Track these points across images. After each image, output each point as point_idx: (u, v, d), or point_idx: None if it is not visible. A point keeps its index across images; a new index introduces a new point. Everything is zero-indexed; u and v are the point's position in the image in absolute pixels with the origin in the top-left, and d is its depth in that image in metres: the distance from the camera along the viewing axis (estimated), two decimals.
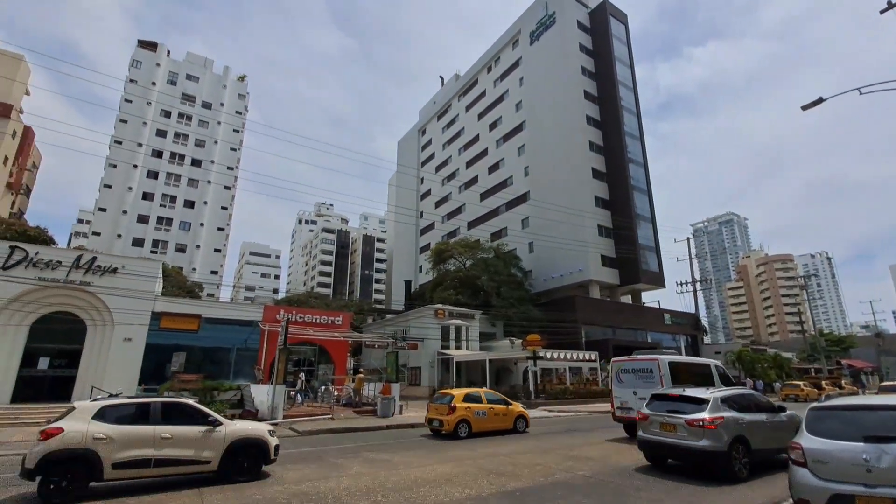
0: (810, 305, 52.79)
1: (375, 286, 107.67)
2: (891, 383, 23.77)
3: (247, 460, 8.26)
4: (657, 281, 47.89)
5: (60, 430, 6.89)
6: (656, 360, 14.29)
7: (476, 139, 64.73)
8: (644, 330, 47.09)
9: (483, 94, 65.38)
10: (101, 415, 7.31)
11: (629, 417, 13.66)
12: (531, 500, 6.93)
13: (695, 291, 32.59)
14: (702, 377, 14.50)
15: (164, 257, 52.46)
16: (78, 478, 6.89)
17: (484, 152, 62.50)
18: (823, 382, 33.72)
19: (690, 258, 33.14)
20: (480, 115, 64.70)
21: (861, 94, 13.41)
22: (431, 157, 75.80)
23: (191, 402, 8.56)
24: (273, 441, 8.59)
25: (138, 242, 55.59)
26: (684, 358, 16.32)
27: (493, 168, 60.15)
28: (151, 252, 55.19)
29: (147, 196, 57.69)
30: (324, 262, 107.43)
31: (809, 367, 52.84)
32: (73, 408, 7.44)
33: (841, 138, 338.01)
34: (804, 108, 14.32)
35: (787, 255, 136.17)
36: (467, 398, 14.88)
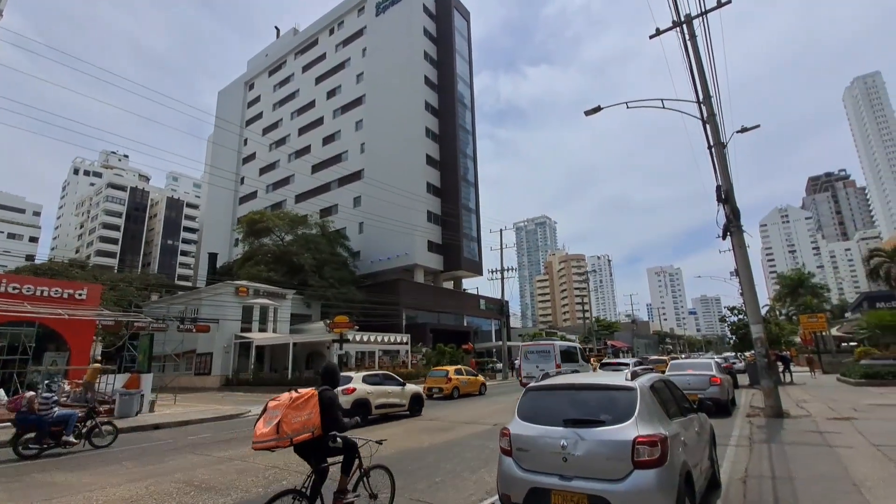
0: (591, 297, 63.59)
1: (181, 259, 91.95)
2: (610, 360, 22.96)
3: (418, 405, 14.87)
4: (477, 269, 51.28)
5: (354, 389, 13.01)
6: (552, 344, 23.08)
7: (312, 105, 59.52)
8: (462, 314, 50.00)
9: (323, 57, 60.35)
10: (364, 380, 13.68)
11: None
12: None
13: (502, 280, 35.35)
14: (571, 355, 24.07)
15: None
16: (364, 413, 12.84)
17: (319, 121, 57.88)
18: (592, 359, 40.08)
19: (501, 248, 35.78)
20: (319, 80, 59.65)
21: (628, 107, 15.09)
22: (259, 116, 67.22)
23: None
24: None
25: None
26: (565, 343, 26.02)
27: (329, 139, 56.19)
28: None
29: None
30: (108, 226, 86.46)
31: (585, 347, 64.14)
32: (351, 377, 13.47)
33: (630, 166, 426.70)
34: (587, 113, 15.49)
35: (580, 255, 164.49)
36: (457, 372, 21.10)
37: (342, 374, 14.36)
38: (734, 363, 25.84)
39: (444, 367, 22.17)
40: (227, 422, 14.40)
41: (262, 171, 62.72)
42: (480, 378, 22.51)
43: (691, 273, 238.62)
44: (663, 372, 12.99)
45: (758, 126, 13.07)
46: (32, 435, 9.19)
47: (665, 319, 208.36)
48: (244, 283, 31.20)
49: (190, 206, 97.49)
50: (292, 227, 41.55)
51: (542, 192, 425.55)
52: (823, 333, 35.08)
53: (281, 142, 61.87)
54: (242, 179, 65.29)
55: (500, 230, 35.34)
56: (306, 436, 3.98)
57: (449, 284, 53.09)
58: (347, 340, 23.81)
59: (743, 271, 12.39)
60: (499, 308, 34.48)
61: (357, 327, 26.34)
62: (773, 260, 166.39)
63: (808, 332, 34.42)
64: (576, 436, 4.06)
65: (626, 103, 14.95)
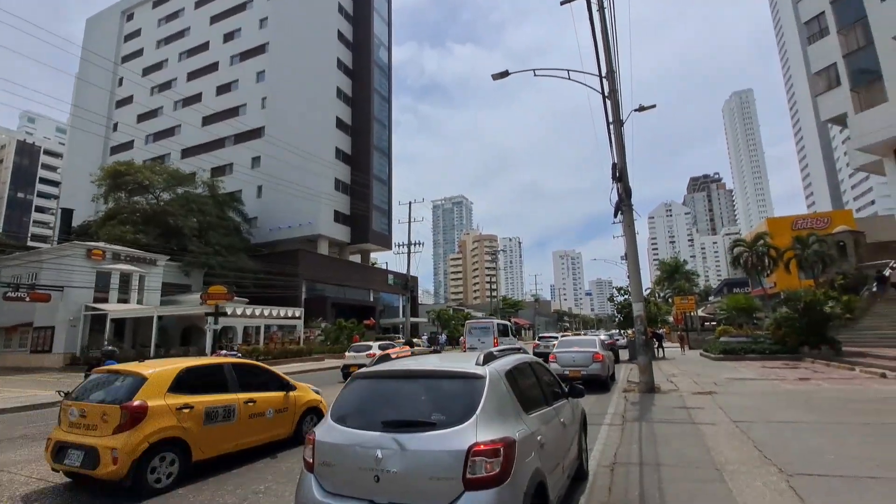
0: (500, 276, 65.43)
1: (37, 216, 77.40)
2: (544, 334, 30.55)
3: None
4: (386, 243, 49.53)
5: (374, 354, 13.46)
6: (491, 322, 26.12)
7: (205, 47, 52.10)
8: (369, 289, 48.18)
9: None
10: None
11: None
12: None
13: (409, 254, 34.20)
14: (506, 330, 26.96)
15: None
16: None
17: (214, 66, 50.94)
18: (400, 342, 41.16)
19: (410, 222, 34.51)
20: (214, 19, 52.22)
21: (535, 75, 14.37)
22: (139, 53, 57.48)
23: None
24: None
25: None
26: (501, 321, 29.67)
27: (225, 89, 49.77)
28: None
29: None
30: None
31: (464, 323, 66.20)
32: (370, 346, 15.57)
33: (545, 156, 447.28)
34: (494, 77, 14.47)
35: (493, 236, 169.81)
36: (383, 348, 18.20)
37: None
38: (617, 339, 27.65)
39: (368, 343, 21.20)
40: (38, 412, 11.48)
41: (142, 118, 53.93)
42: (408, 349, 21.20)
43: (590, 257, 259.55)
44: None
45: (654, 106, 13.14)
46: None
47: (565, 299, 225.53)
48: (99, 244, 26.28)
49: (50, 153, 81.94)
50: (171, 183, 36.11)
51: (461, 172, 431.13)
52: (692, 314, 39.38)
53: (166, 86, 53.55)
54: (115, 126, 55.70)
55: (410, 203, 34.06)
56: None
57: (356, 258, 50.83)
58: (224, 314, 21.00)
59: (630, 250, 12.43)
60: (404, 283, 33.38)
61: (234, 297, 23.33)
62: (656, 249, 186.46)
63: (680, 312, 38.41)
64: (395, 444, 2.86)
65: (534, 70, 14.26)
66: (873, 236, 29.40)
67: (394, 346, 19.78)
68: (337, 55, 46.01)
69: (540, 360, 4.93)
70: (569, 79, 13.82)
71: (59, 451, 5.09)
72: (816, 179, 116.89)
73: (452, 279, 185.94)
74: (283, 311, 28.00)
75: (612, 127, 12.93)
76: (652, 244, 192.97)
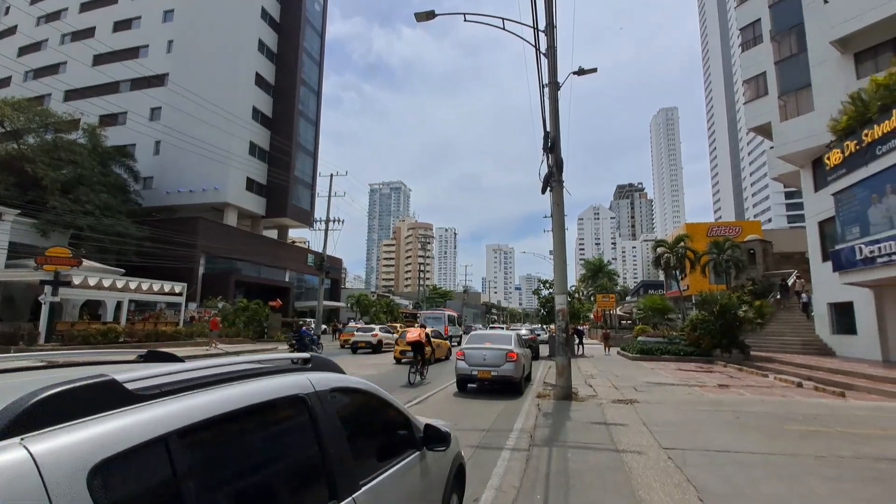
0: (434, 266, 63.34)
1: None
2: (495, 325, 28.93)
3: None
4: (307, 219, 45.41)
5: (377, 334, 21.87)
6: (444, 313, 30.86)
7: None
8: (285, 269, 43.91)
9: None
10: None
11: None
12: None
13: (326, 230, 30.88)
14: (454, 319, 31.79)
15: None
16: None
17: None
18: (417, 325, 39.04)
19: (330, 195, 31.19)
20: None
21: (466, 20, 12.23)
22: None
23: None
24: None
25: None
26: (452, 313, 33.89)
27: (123, 25, 42.48)
28: None
29: None
30: None
31: (417, 312, 64.35)
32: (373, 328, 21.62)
33: (488, 150, 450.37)
34: (418, 17, 12.02)
35: (429, 224, 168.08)
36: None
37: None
38: (539, 335, 26.70)
39: (372, 325, 24.78)
40: None
41: (23, 50, 44.66)
42: None
43: (521, 253, 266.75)
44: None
45: (595, 70, 11.47)
46: None
47: (495, 292, 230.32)
48: None
49: None
50: (37, 125, 29.65)
51: (403, 157, 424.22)
52: (611, 311, 40.02)
53: (54, 16, 44.73)
54: None
55: (331, 175, 30.66)
56: None
57: (272, 234, 46.19)
58: (67, 283, 16.73)
59: (556, 233, 10.67)
60: (319, 262, 30.07)
61: (81, 263, 18.73)
62: (583, 249, 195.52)
63: (600, 310, 38.86)
64: None
65: (465, 15, 12.00)
66: (778, 247, 31.09)
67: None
68: (262, 3, 40.85)
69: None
70: (503, 28, 11.74)
71: None
72: (725, 195, 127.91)
73: (385, 266, 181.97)
74: (157, 286, 23.63)
75: (547, 89, 11.05)
76: (579, 244, 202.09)
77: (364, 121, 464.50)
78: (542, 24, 11.09)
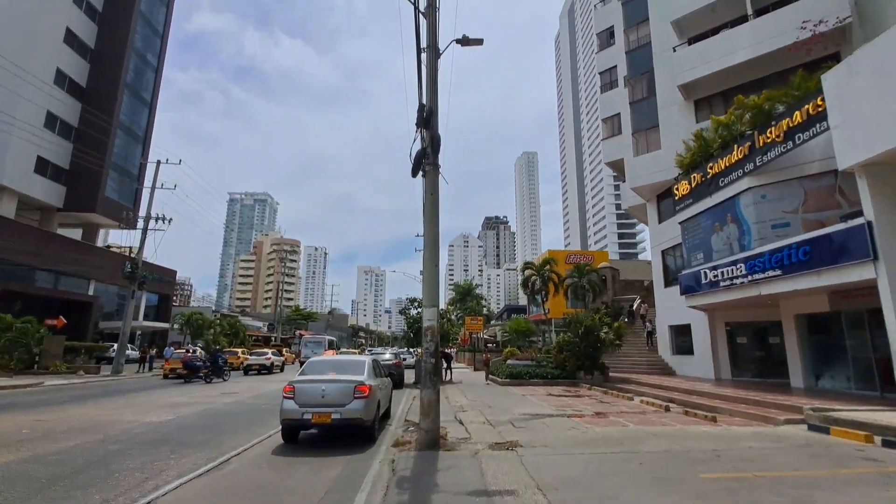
0: (300, 286, 56.80)
1: None
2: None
3: None
4: (126, 219, 36.46)
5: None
6: (324, 338, 34.95)
7: None
8: (89, 279, 34.14)
9: None
10: None
11: None
12: None
13: (145, 228, 24.34)
14: (332, 343, 36.07)
15: None
16: None
17: None
18: (270, 349, 33.87)
19: (154, 187, 24.83)
20: None
21: None
22: None
23: None
24: None
25: None
26: (332, 337, 41.04)
27: None
28: None
29: None
30: None
31: (272, 335, 56.82)
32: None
33: (363, 171, 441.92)
34: None
35: (296, 241, 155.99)
36: None
37: None
38: (405, 359, 24.28)
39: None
40: None
41: None
42: None
43: (392, 276, 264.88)
44: None
45: (481, 41, 9.87)
46: None
47: (365, 315, 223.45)
48: None
49: None
50: None
51: (271, 169, 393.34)
52: (479, 334, 39.80)
53: None
54: None
55: (158, 161, 24.49)
56: None
57: (77, 233, 36.08)
58: None
59: (428, 228, 8.43)
60: (130, 268, 23.25)
61: None
62: (452, 275, 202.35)
63: (468, 333, 38.31)
64: None
65: None
66: (623, 275, 34.27)
67: None
68: None
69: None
70: None
71: None
72: (573, 232, 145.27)
73: (241, 283, 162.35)
74: None
75: (425, 55, 8.98)
76: (449, 270, 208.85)
77: (229, 124, 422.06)
78: None
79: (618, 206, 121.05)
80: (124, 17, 34.67)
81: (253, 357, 27.19)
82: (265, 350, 29.76)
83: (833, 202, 12.15)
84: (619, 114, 26.19)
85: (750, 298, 13.80)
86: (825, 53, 15.52)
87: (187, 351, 23.08)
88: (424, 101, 8.72)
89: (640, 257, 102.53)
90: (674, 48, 20.08)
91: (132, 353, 26.11)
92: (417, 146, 8.65)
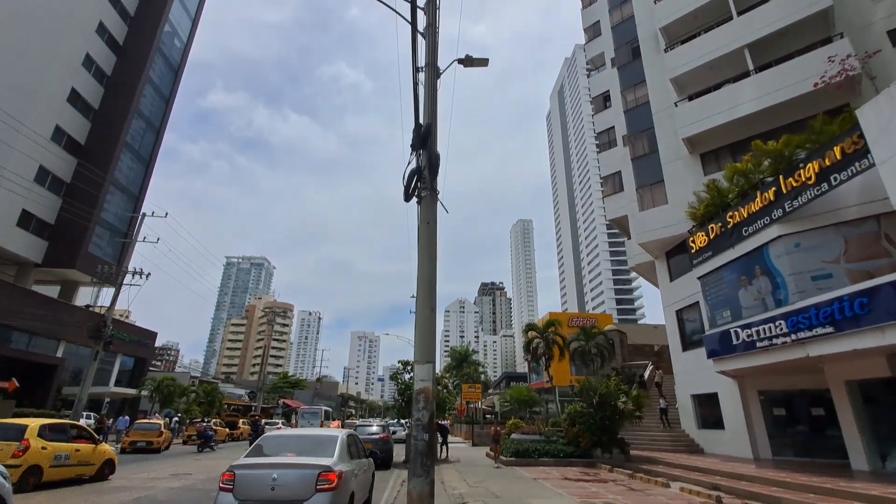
0: (292, 352, 53.76)
1: None
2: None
3: None
4: (101, 273, 34.73)
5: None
6: (320, 408, 33.11)
7: None
8: (59, 339, 31.66)
9: None
10: None
11: None
12: None
13: (119, 284, 22.65)
14: (329, 413, 34.74)
15: None
16: None
17: None
18: (241, 419, 30.51)
19: (134, 240, 23.51)
20: None
21: None
22: None
23: None
24: None
25: None
26: (328, 408, 38.18)
27: None
28: None
29: None
30: None
31: (252, 405, 52.70)
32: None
33: (361, 238, 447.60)
34: None
35: (289, 305, 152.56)
36: None
37: None
38: (395, 431, 21.50)
39: None
40: None
41: None
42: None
43: (387, 343, 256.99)
44: None
45: (486, 61, 9.01)
46: None
47: (356, 383, 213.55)
48: None
49: None
50: None
51: (270, 233, 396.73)
52: (478, 404, 36.60)
53: None
54: None
55: (143, 214, 23.40)
56: None
57: (54, 291, 34.16)
58: None
59: (423, 263, 6.91)
60: (95, 328, 21.16)
61: None
62: (448, 340, 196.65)
63: (465, 402, 35.20)
64: None
65: None
66: (629, 340, 32.14)
67: None
68: (101, 17, 34.19)
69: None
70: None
71: None
72: (570, 297, 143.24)
73: (230, 348, 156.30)
74: None
75: (423, 73, 8.05)
76: (445, 336, 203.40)
77: (232, 190, 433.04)
78: (421, 1, 8.43)
79: (615, 272, 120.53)
80: (132, 81, 35.49)
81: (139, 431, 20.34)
82: (235, 421, 26.42)
83: (880, 250, 10.82)
84: (619, 171, 25.78)
85: (792, 362, 12.00)
86: (833, 106, 15.15)
87: (187, 421, 21.48)
88: (422, 121, 7.62)
89: (640, 322, 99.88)
90: (675, 103, 19.92)
91: (88, 422, 23.14)
92: (411, 171, 7.39)
